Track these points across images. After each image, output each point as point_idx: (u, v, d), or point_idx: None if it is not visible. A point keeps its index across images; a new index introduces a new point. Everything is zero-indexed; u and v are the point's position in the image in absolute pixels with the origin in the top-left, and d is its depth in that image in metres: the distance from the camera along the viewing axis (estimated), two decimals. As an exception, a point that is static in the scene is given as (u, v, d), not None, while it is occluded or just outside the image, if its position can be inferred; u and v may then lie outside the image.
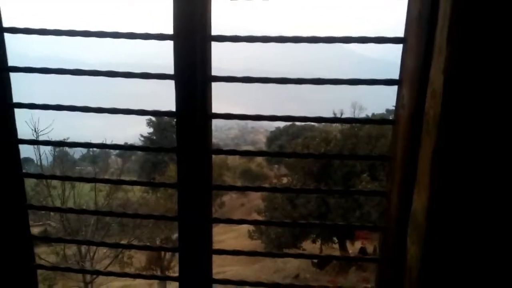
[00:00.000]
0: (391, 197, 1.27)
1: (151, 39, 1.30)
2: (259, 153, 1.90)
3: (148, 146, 1.47)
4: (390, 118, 1.34)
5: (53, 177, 2.00)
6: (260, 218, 16.65)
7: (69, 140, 1.49)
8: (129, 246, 2.30)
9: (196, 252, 1.49)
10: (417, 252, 1.12)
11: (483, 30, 0.91)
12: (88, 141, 1.52)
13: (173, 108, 1.35)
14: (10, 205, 1.52)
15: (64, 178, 1.61)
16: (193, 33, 1.24)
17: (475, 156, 0.98)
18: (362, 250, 14.80)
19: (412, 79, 1.15)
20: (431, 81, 1.04)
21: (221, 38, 1.29)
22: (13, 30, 1.40)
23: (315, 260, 16.23)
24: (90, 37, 1.32)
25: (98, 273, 1.77)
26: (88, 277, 11.31)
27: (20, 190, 1.56)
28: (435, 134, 0.99)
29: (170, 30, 1.26)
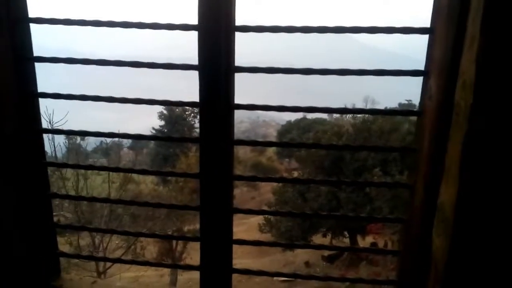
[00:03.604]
0: (416, 189, 1.26)
1: (175, 29, 1.30)
2: (281, 144, 1.89)
3: (172, 136, 1.49)
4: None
5: (77, 166, 2.03)
6: (271, 211, 16.69)
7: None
8: (152, 235, 2.33)
9: (217, 242, 1.50)
10: (443, 244, 1.11)
11: (519, 18, 0.89)
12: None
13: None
14: (35, 193, 1.54)
15: (88, 167, 1.63)
16: (217, 23, 1.24)
17: (507, 149, 0.96)
18: (373, 245, 14.74)
19: (440, 70, 1.13)
20: (462, 72, 1.02)
21: (246, 28, 1.29)
22: (38, 21, 1.41)
23: (325, 254, 16.23)
24: (115, 27, 1.33)
25: (119, 261, 1.80)
26: (101, 267, 11.49)
27: (44, 179, 1.59)
28: (466, 125, 0.98)
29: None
